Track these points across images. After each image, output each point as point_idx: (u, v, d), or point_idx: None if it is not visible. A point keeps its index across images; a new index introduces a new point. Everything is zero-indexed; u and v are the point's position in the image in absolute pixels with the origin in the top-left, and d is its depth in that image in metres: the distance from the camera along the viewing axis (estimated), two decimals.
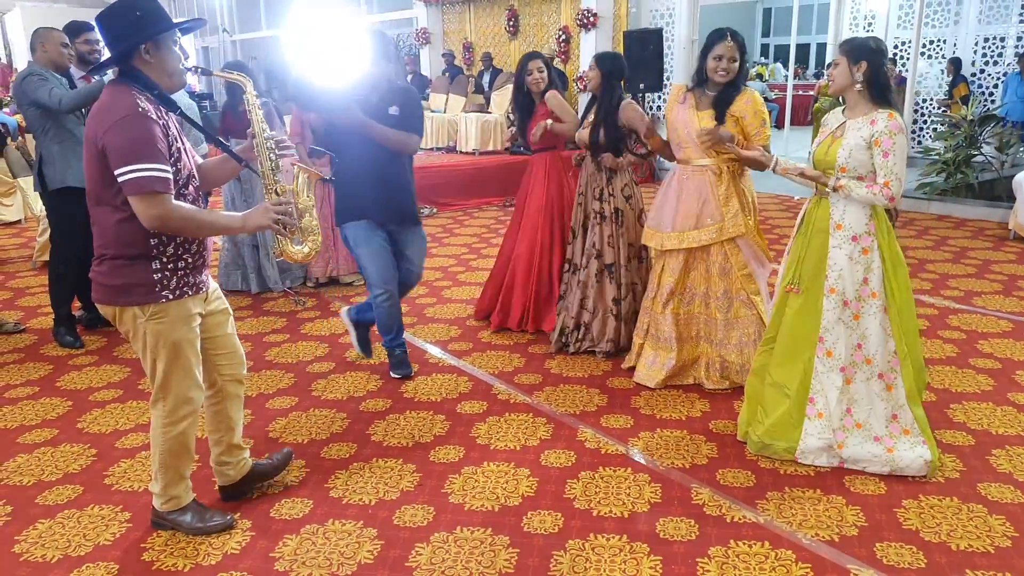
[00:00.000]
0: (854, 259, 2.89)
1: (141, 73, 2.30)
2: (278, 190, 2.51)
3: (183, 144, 2.39)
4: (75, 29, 4.52)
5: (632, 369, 3.88)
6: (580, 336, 4.15)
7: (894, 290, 2.92)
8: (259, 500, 2.83)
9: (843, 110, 2.95)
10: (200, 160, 2.61)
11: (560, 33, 10.36)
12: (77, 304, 4.72)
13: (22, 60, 19.49)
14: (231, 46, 19.06)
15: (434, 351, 4.29)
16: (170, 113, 2.36)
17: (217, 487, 2.83)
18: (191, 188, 2.42)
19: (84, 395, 3.79)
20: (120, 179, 2.20)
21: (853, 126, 2.85)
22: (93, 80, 4.54)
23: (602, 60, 4.02)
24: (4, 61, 20.54)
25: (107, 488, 2.94)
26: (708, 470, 3.01)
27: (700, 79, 3.48)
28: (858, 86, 2.82)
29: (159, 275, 2.33)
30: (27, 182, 6.74)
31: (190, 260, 2.41)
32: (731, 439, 3.24)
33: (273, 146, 2.54)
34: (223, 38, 18.94)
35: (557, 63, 10.19)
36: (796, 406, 3.04)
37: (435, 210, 8.28)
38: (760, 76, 18.31)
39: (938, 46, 10.78)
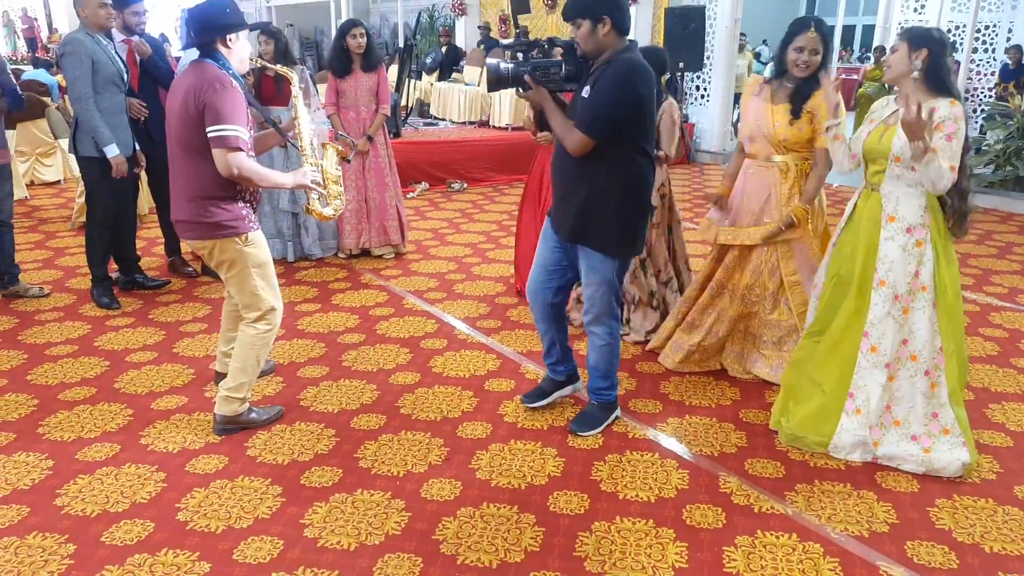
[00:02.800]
0: (907, 251, 2.83)
1: (222, 56, 2.85)
2: (312, 162, 3.04)
3: (249, 111, 2.94)
4: (122, 0, 4.53)
5: (656, 352, 3.89)
6: (625, 327, 4.12)
7: (945, 285, 2.85)
8: (289, 467, 2.87)
9: (895, 98, 2.88)
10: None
11: None
12: (114, 266, 4.79)
13: (61, 21, 19.70)
14: (267, 11, 19.06)
15: (463, 327, 4.30)
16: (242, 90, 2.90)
17: (215, 373, 3.46)
18: (253, 152, 2.97)
19: (121, 356, 3.86)
20: (210, 134, 2.73)
21: None
22: (133, 41, 4.57)
23: (647, 54, 3.91)
24: (35, 18, 20.77)
25: (143, 448, 3.00)
26: (737, 459, 2.99)
27: (779, 70, 3.34)
28: (916, 73, 2.74)
29: (245, 211, 2.93)
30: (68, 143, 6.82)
31: (254, 202, 3.03)
32: (761, 428, 3.22)
33: (314, 129, 3.16)
34: (259, 4, 18.93)
35: None
36: (833, 400, 2.99)
37: (466, 185, 8.25)
38: None
39: (993, 31, 10.43)
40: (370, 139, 5.29)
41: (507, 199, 7.78)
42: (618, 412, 3.26)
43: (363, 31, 5.12)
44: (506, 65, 2.79)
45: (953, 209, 2.83)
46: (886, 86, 8.21)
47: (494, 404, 3.39)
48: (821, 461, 2.97)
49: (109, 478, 2.79)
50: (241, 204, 2.92)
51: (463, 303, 4.70)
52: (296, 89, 3.13)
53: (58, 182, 8.24)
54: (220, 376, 3.45)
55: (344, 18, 16.30)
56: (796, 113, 3.27)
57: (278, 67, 3.36)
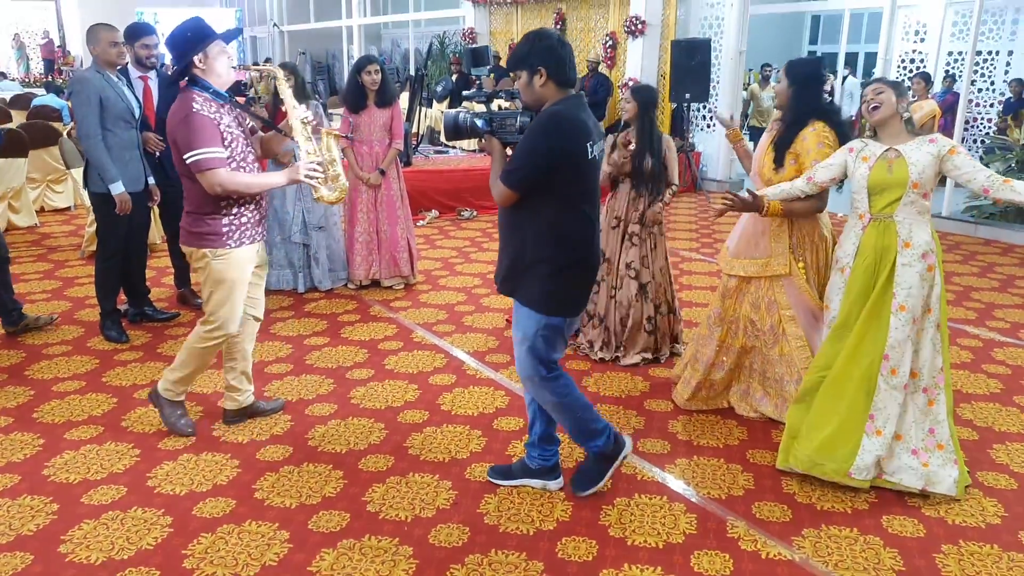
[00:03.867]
0: (923, 277, 2.99)
1: (199, 77, 3.04)
2: (311, 149, 3.19)
3: (238, 127, 3.13)
4: (133, 33, 4.62)
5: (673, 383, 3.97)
6: (619, 351, 4.26)
7: (943, 306, 3.06)
8: (297, 510, 2.88)
9: (872, 138, 3.07)
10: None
11: (607, 39, 10.29)
12: (123, 298, 4.82)
13: (75, 44, 19.97)
14: (279, 37, 19.33)
15: (471, 362, 4.31)
16: (224, 104, 3.08)
17: (223, 410, 3.54)
18: (249, 160, 3.16)
19: (129, 392, 3.88)
20: (187, 161, 2.98)
21: (910, 147, 2.98)
22: (149, 78, 4.64)
23: (637, 91, 4.20)
24: (58, 44, 21.07)
25: (150, 490, 3.00)
26: (744, 502, 2.99)
27: None
28: (905, 114, 3.00)
29: (227, 228, 3.10)
30: (79, 173, 6.89)
31: (248, 216, 3.16)
32: (768, 470, 3.22)
33: (305, 116, 3.21)
34: (272, 31, 19.18)
35: (603, 68, 10.13)
36: (850, 423, 3.03)
37: (476, 213, 8.30)
38: None
39: (991, 61, 10.50)
40: (383, 173, 5.35)
41: None
42: (626, 451, 2.99)
43: (378, 68, 5.20)
44: (464, 115, 2.80)
45: None
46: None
47: (502, 444, 3.40)
48: (827, 504, 2.97)
49: (115, 523, 2.79)
50: (226, 220, 3.09)
51: (472, 336, 4.71)
52: (284, 86, 3.26)
53: (68, 208, 8.31)
54: (228, 413, 3.52)
55: (356, 43, 16.55)
56: (779, 162, 3.35)
57: (262, 66, 3.63)
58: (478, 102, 2.95)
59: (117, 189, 4.25)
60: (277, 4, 19.46)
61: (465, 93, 3.13)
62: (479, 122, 2.79)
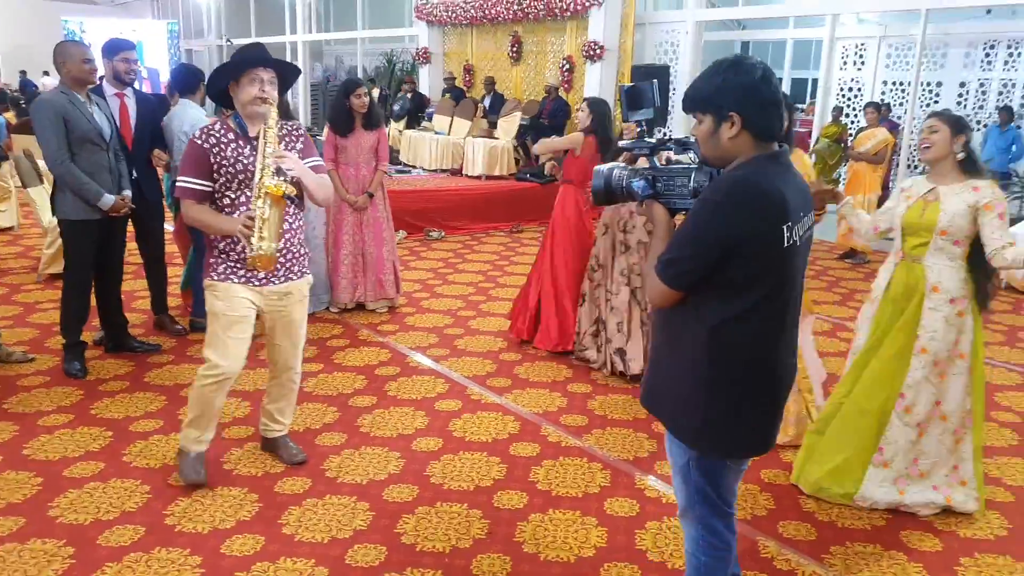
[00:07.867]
0: (950, 321, 3.00)
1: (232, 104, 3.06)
2: (251, 206, 2.93)
3: (240, 160, 2.96)
4: (113, 47, 4.44)
5: None
6: (625, 359, 4.39)
7: (978, 350, 3.06)
8: (331, 545, 2.79)
9: (926, 177, 3.09)
10: None
11: (564, 62, 10.43)
12: (95, 322, 4.58)
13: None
14: (217, 51, 18.87)
15: (474, 387, 4.28)
16: (243, 137, 3.00)
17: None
18: (245, 194, 2.98)
19: (123, 425, 3.69)
20: None
21: (950, 192, 2.97)
22: (126, 95, 4.44)
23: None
24: None
25: (170, 529, 2.87)
26: (769, 521, 3.06)
27: None
28: (960, 155, 2.97)
29: (213, 260, 3.05)
30: (38, 192, 6.53)
31: (235, 256, 3.01)
32: (785, 490, 3.29)
33: (271, 173, 2.90)
34: (217, 43, 18.69)
35: (561, 92, 10.26)
36: (859, 454, 3.13)
37: (444, 233, 8.27)
38: None
39: (930, 89, 11.09)
40: (371, 196, 5.29)
41: (487, 248, 7.83)
42: None
43: (366, 91, 5.16)
44: (620, 172, 2.12)
45: (983, 283, 3.03)
46: (842, 143, 8.65)
47: (523, 471, 3.38)
48: (847, 521, 3.06)
49: (140, 565, 2.65)
50: (215, 252, 3.05)
51: (468, 360, 4.68)
52: (272, 132, 2.90)
53: (11, 228, 7.88)
54: (265, 441, 3.46)
55: (300, 59, 16.31)
56: None
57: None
58: (639, 154, 2.21)
59: (107, 203, 4.03)
60: (216, 17, 19.02)
61: (623, 143, 2.44)
62: (637, 183, 2.05)
